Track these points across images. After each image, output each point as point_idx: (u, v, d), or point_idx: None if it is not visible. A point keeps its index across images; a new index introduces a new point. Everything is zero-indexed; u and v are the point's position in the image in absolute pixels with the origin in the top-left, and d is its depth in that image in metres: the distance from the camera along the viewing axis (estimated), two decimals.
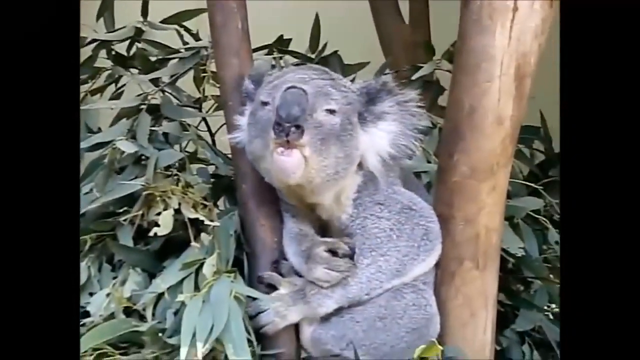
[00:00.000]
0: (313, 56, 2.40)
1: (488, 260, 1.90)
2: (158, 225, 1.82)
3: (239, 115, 1.86)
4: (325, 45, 2.44)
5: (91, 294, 1.83)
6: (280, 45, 2.32)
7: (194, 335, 1.67)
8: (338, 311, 1.82)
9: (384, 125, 1.79)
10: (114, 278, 1.85)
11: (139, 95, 2.08)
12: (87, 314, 1.81)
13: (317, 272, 1.79)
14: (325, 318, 1.83)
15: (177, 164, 1.92)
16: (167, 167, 1.90)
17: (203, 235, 1.82)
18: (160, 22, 2.34)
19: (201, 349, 1.66)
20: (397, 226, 1.83)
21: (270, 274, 1.83)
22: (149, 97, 2.06)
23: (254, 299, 1.77)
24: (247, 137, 1.81)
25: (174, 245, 1.86)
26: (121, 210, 1.87)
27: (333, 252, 1.80)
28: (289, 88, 1.71)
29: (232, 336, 1.69)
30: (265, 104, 1.75)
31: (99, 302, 1.80)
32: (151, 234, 1.79)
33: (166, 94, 2.10)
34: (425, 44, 2.52)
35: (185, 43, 2.28)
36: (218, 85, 1.92)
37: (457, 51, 1.88)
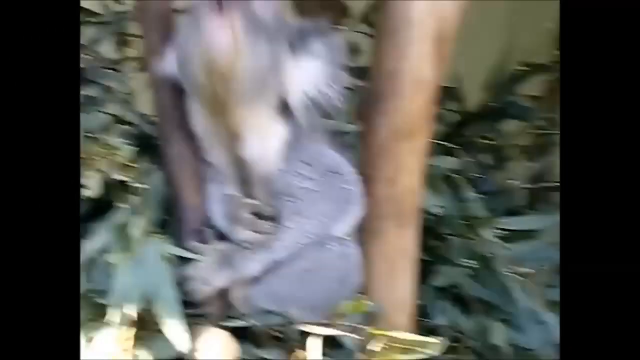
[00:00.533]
0: None
1: (409, 219, 1.96)
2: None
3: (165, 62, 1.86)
4: None
5: None
6: None
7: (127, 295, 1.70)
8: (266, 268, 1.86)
9: (313, 64, 1.81)
10: None
11: None
12: None
13: (242, 233, 1.83)
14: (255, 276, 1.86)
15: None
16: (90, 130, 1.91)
17: (130, 196, 1.83)
18: None
19: (132, 309, 1.68)
20: (321, 188, 1.87)
21: (194, 244, 1.85)
22: None
23: (184, 258, 1.79)
24: (178, 48, 1.81)
25: (99, 208, 1.88)
26: None
27: (258, 215, 1.83)
28: None
29: (163, 296, 1.72)
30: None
31: None
32: (81, 197, 1.79)
33: (88, 57, 2.10)
34: (340, 6, 2.54)
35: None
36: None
37: (377, 15, 1.92)
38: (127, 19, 2.15)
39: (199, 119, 1.86)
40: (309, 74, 1.82)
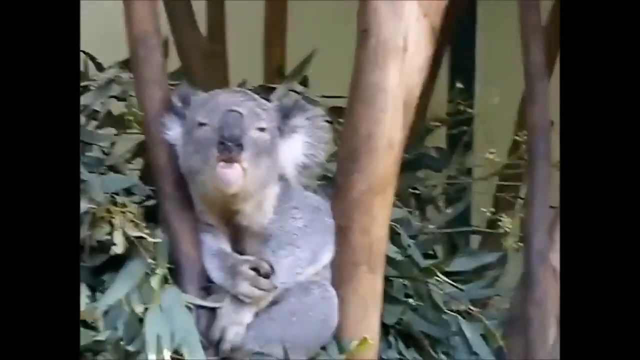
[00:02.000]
0: None
1: (378, 265, 2.20)
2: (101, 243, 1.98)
3: (167, 130, 2.07)
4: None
5: None
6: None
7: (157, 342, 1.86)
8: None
9: (298, 137, 2.09)
10: None
11: None
12: None
13: (243, 287, 2.02)
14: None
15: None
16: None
17: (143, 250, 2.00)
18: None
19: (168, 355, 1.85)
20: (309, 224, 2.13)
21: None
22: None
23: (201, 307, 1.97)
24: (182, 154, 2.05)
25: (109, 262, 2.03)
26: None
27: (255, 270, 2.04)
28: (229, 111, 1.98)
29: (189, 341, 1.90)
30: (202, 124, 2.00)
31: None
32: (111, 252, 1.94)
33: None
34: (278, 67, 2.77)
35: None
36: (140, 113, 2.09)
37: (354, 84, 2.16)
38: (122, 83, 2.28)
39: (194, 189, 2.08)
40: (296, 148, 2.09)
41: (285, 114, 2.09)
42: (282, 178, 2.10)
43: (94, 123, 2.38)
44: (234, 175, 1.96)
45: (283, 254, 2.08)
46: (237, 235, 2.12)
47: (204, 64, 2.96)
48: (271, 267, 2.04)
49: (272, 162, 2.04)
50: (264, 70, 2.99)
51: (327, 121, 2.11)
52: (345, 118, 2.19)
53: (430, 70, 3.03)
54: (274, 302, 2.08)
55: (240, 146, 1.95)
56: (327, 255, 2.15)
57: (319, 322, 2.12)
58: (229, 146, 1.94)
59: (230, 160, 1.95)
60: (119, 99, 2.34)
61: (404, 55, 2.13)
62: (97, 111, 2.36)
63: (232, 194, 1.99)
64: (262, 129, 2.01)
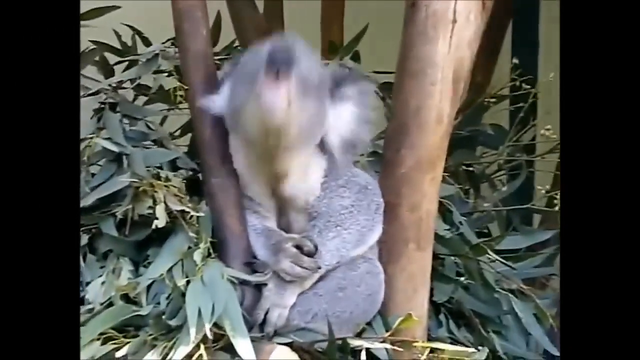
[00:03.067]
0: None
1: (427, 242, 2.17)
2: (144, 217, 1.97)
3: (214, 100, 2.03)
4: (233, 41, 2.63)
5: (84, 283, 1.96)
6: None
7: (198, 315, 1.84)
8: None
9: (347, 107, 2.03)
10: (101, 267, 1.98)
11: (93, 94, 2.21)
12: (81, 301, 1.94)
13: (285, 264, 1.99)
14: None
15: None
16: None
17: (186, 224, 1.98)
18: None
19: (208, 328, 1.83)
20: (357, 203, 2.08)
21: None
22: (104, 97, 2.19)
23: (246, 283, 1.95)
24: (228, 97, 2.00)
25: (152, 236, 2.02)
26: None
27: (299, 248, 2.01)
28: (280, 41, 1.92)
29: (230, 315, 1.88)
30: (250, 61, 1.95)
31: (96, 290, 1.94)
32: (152, 226, 1.93)
33: (120, 93, 2.24)
34: (330, 43, 2.74)
35: (122, 43, 2.41)
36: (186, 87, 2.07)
37: (402, 57, 2.12)
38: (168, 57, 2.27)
39: (240, 159, 2.05)
40: (343, 117, 2.03)
41: (338, 81, 2.04)
42: (329, 152, 2.05)
43: (144, 98, 2.37)
44: (280, 96, 1.86)
45: (329, 235, 2.04)
46: (283, 211, 2.10)
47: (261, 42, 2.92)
48: (315, 246, 2.01)
49: (320, 110, 1.97)
50: (322, 48, 2.94)
51: (381, 98, 2.06)
52: (394, 92, 2.16)
53: (492, 44, 3.06)
54: (320, 278, 2.05)
55: (288, 66, 1.86)
56: (374, 236, 2.11)
57: (365, 297, 2.09)
58: (278, 64, 1.85)
59: (277, 82, 1.86)
60: (170, 74, 2.30)
61: (453, 27, 2.09)
62: (148, 87, 2.34)
63: (276, 122, 1.89)
64: (312, 69, 1.94)
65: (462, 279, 2.35)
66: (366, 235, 2.09)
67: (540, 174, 2.82)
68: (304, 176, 2.05)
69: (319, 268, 2.01)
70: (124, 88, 2.28)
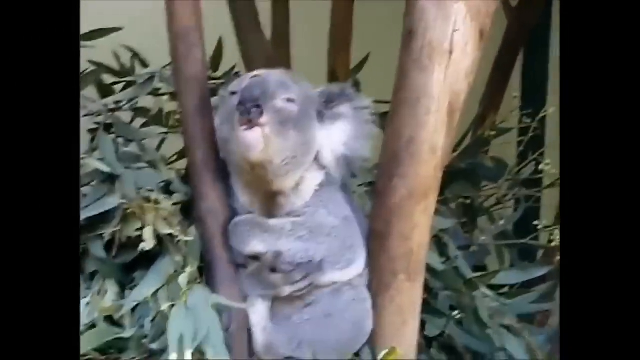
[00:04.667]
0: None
1: (418, 273, 2.14)
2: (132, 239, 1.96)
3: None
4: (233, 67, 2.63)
5: None
6: None
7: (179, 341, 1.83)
8: (287, 315, 2.04)
9: (340, 125, 2.04)
10: (87, 289, 1.97)
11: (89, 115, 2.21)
12: None
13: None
14: (276, 323, 2.02)
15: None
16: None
17: (173, 248, 1.97)
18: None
19: (189, 354, 1.81)
20: (336, 229, 2.05)
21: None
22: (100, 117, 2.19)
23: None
24: (218, 127, 2.02)
25: (140, 258, 2.01)
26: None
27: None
28: (254, 76, 1.97)
29: (213, 342, 1.86)
30: (233, 93, 1.98)
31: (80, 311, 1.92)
32: (139, 249, 1.92)
33: (115, 114, 2.23)
34: (332, 71, 2.74)
35: (121, 65, 2.41)
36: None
37: (397, 86, 2.10)
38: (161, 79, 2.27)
39: (236, 182, 2.05)
40: (335, 135, 2.04)
41: (330, 100, 2.04)
42: (325, 169, 2.06)
43: (142, 120, 2.37)
44: (254, 139, 1.90)
45: (301, 234, 2.02)
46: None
47: (268, 69, 2.92)
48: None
49: (303, 139, 1.98)
50: (328, 73, 2.95)
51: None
52: (387, 121, 2.13)
53: (500, 77, 3.06)
54: (306, 305, 2.04)
55: (259, 108, 1.89)
56: (335, 274, 2.06)
57: (351, 324, 2.07)
58: (248, 107, 1.88)
59: (250, 123, 1.90)
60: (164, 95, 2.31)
61: (449, 58, 2.07)
62: (147, 109, 2.35)
63: (255, 161, 1.93)
64: (290, 100, 1.96)
65: (454, 313, 2.31)
66: (326, 265, 2.04)
67: (547, 209, 2.81)
68: (297, 189, 2.05)
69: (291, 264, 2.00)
70: (122, 110, 2.26)
